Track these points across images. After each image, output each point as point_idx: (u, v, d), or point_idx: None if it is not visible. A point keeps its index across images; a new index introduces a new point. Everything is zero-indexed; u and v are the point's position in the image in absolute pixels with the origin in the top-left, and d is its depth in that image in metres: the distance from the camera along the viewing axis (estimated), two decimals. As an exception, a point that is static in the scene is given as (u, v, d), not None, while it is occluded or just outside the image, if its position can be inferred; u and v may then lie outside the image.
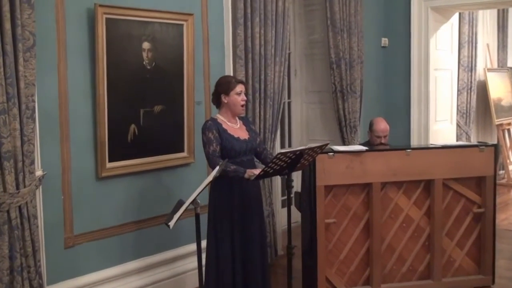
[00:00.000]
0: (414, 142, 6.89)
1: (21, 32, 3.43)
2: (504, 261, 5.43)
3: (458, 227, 4.70)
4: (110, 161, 4.29)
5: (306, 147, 3.86)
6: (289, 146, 6.93)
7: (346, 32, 6.22)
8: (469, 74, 8.42)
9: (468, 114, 8.47)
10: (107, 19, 4.13)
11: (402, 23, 6.94)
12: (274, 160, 3.68)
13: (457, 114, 7.98)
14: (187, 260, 4.88)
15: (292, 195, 4.68)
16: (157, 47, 4.50)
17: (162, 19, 4.51)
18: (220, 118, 4.13)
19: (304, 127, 7.01)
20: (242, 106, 4.12)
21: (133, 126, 4.42)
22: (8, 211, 3.45)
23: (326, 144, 4.02)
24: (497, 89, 9.11)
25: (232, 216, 4.07)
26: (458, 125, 8.11)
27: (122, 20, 4.25)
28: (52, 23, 3.91)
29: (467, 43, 8.28)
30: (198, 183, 3.72)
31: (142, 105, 4.47)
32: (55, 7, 3.91)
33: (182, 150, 4.81)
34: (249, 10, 5.05)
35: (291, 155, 3.73)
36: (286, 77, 5.63)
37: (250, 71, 5.11)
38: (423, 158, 4.59)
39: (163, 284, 4.73)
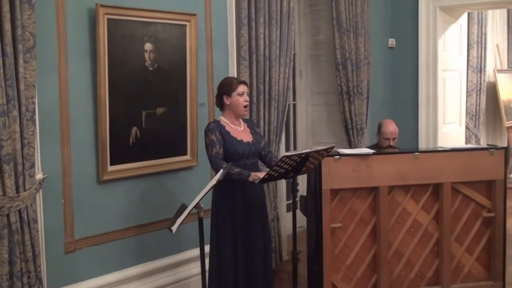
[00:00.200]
0: (422, 145, 6.88)
1: (21, 33, 3.44)
2: (515, 267, 5.42)
3: (468, 232, 4.69)
4: (111, 164, 4.29)
5: (312, 150, 3.86)
6: (294, 149, 6.93)
7: (352, 32, 6.22)
8: (478, 75, 8.41)
9: (477, 116, 8.45)
10: (108, 19, 4.14)
11: (410, 23, 6.93)
12: (279, 163, 3.68)
13: (466, 116, 7.97)
14: (190, 265, 4.88)
15: (297, 199, 4.68)
16: (159, 48, 4.51)
17: (165, 20, 4.52)
18: (223, 120, 4.13)
19: (310, 130, 7.00)
20: (245, 107, 4.13)
21: (135, 128, 4.43)
22: (7, 215, 3.45)
23: (332, 147, 4.02)
24: (507, 90, 9.09)
25: (234, 220, 4.07)
26: (467, 128, 8.09)
27: (123, 21, 4.26)
28: (52, 23, 3.92)
29: (476, 43, 8.27)
30: (201, 187, 3.73)
31: (144, 107, 4.48)
32: (56, 8, 3.93)
33: (185, 153, 4.81)
34: (253, 10, 5.06)
35: (296, 158, 3.73)
36: (291, 79, 5.64)
37: (254, 73, 5.12)
38: (432, 162, 4.58)
39: (166, 290, 4.75)
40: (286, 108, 5.55)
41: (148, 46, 4.44)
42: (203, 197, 3.52)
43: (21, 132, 3.49)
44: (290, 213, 4.23)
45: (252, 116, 5.08)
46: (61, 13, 3.95)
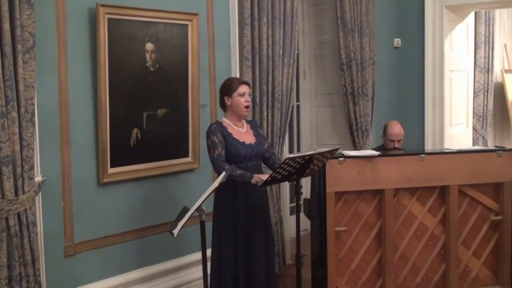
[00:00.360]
0: (429, 147, 6.87)
1: (21, 33, 3.45)
2: (523, 271, 5.39)
3: (475, 236, 4.68)
4: (112, 166, 4.30)
5: (316, 152, 3.86)
6: (298, 151, 6.92)
7: (357, 32, 6.22)
8: (486, 75, 8.39)
9: (484, 117, 8.43)
10: (109, 19, 4.14)
11: (416, 23, 6.93)
12: (282, 165, 3.68)
13: (473, 117, 7.95)
14: (192, 269, 4.88)
15: (301, 202, 4.67)
16: (160, 48, 4.52)
17: (166, 19, 4.52)
18: (226, 121, 4.14)
19: (314, 131, 7.00)
20: (246, 107, 4.13)
21: (135, 130, 4.43)
22: (6, 218, 3.46)
23: (337, 149, 4.02)
24: (515, 91, 9.07)
25: (235, 224, 4.08)
26: (474, 129, 8.08)
27: (124, 20, 4.26)
28: (52, 23, 3.93)
29: (483, 43, 8.25)
30: (203, 189, 3.73)
31: (145, 108, 4.49)
32: (56, 7, 3.94)
33: (186, 155, 4.82)
34: (256, 10, 5.06)
35: (300, 160, 3.73)
36: (294, 79, 5.63)
37: (257, 73, 5.12)
38: (438, 164, 4.58)
39: (167, 295, 4.75)
40: (290, 109, 5.55)
41: (149, 46, 4.45)
42: (205, 199, 3.52)
43: (20, 133, 3.49)
44: (294, 216, 4.23)
45: (255, 117, 5.08)
46: (61, 12, 3.96)
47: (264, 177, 3.86)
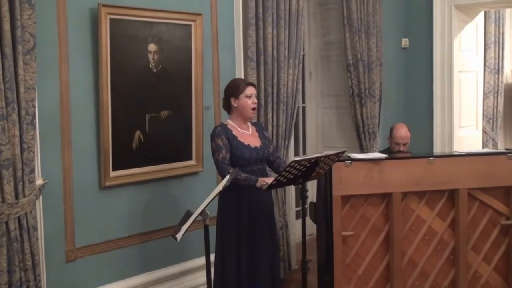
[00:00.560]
0: (437, 149, 6.86)
1: (21, 34, 3.46)
2: (535, 277, 5.37)
3: (485, 240, 4.67)
4: (114, 169, 4.31)
5: (322, 154, 3.85)
6: (304, 153, 6.92)
7: (364, 32, 6.22)
8: (496, 76, 8.37)
9: (494, 119, 8.41)
10: (111, 19, 4.15)
11: (424, 23, 6.92)
12: (287, 168, 3.68)
13: (483, 119, 7.93)
14: (195, 274, 4.88)
15: (307, 205, 4.67)
16: (163, 49, 4.52)
17: (169, 20, 4.53)
18: (230, 123, 4.14)
19: (320, 134, 7.00)
20: (253, 109, 4.14)
21: (138, 132, 4.44)
22: (6, 223, 3.46)
23: (343, 152, 4.01)
24: (526, 92, 9.05)
25: (239, 228, 4.08)
26: (484, 131, 8.06)
27: (126, 21, 4.27)
28: (53, 24, 3.94)
29: (493, 43, 8.23)
30: (207, 193, 3.73)
31: (148, 110, 4.49)
32: (57, 7, 3.95)
33: (190, 158, 4.82)
34: (261, 10, 5.06)
35: (306, 163, 3.72)
36: (300, 81, 5.64)
37: (262, 74, 5.12)
38: (447, 167, 4.56)
39: (170, 300, 4.75)
40: (295, 111, 5.55)
41: (151, 47, 4.46)
42: (209, 203, 3.52)
43: (21, 136, 3.50)
44: (299, 221, 4.23)
45: (260, 119, 5.08)
46: (62, 13, 3.97)
47: (269, 180, 3.86)
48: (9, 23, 3.38)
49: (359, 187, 4.45)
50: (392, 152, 5.23)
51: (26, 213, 3.57)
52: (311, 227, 5.43)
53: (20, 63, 3.46)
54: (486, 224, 4.66)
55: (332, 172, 4.36)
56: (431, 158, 4.57)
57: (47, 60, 3.90)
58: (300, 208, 4.42)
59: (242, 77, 5.03)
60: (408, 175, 4.49)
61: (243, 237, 4.09)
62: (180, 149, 4.75)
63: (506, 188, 4.66)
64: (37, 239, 3.70)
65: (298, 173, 3.76)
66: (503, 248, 4.70)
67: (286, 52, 5.32)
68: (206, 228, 3.57)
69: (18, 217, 3.52)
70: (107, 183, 4.28)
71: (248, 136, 4.16)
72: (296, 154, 6.58)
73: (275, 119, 5.26)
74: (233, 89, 4.12)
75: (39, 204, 3.84)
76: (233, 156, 4.03)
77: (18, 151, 3.48)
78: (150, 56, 4.46)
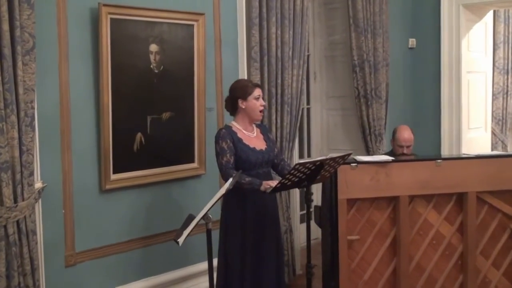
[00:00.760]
0: (445, 152, 6.85)
1: (20, 34, 3.46)
2: (545, 283, 5.36)
3: (494, 245, 4.66)
4: (114, 172, 4.31)
5: (327, 157, 3.85)
6: (308, 156, 6.92)
7: (370, 32, 6.21)
8: (505, 77, 8.36)
9: (504, 120, 8.40)
10: (111, 19, 4.16)
11: (431, 23, 6.91)
12: (292, 171, 3.67)
13: (492, 121, 7.92)
14: (198, 279, 4.88)
15: (312, 209, 4.67)
16: (165, 50, 4.53)
17: (171, 19, 4.54)
18: (236, 125, 4.13)
19: (325, 136, 6.99)
20: (261, 111, 4.14)
21: (139, 134, 4.44)
22: (5, 226, 3.47)
23: (349, 154, 4.01)
24: (536, 93, 9.02)
25: (243, 232, 4.07)
26: (493, 133, 8.05)
27: (127, 21, 4.28)
28: (53, 24, 3.95)
29: (502, 43, 8.23)
30: (210, 196, 3.73)
31: (149, 112, 4.50)
32: (56, 7, 3.95)
33: (192, 161, 4.82)
34: (264, 9, 5.06)
35: (311, 166, 3.72)
36: (304, 81, 5.63)
37: (265, 75, 5.12)
38: (455, 169, 4.56)
39: (172, 306, 4.75)
40: (300, 112, 5.55)
41: (153, 47, 4.46)
42: (211, 207, 3.52)
43: (20, 138, 3.51)
44: (304, 225, 4.23)
45: (264, 121, 5.07)
46: (62, 13, 3.98)
47: (273, 183, 3.86)
48: (8, 23, 3.39)
49: (365, 191, 4.44)
50: (395, 155, 5.23)
51: (25, 217, 3.57)
52: (316, 231, 5.42)
53: (19, 64, 3.47)
54: (495, 228, 4.64)
55: (338, 175, 4.35)
56: (439, 160, 4.56)
57: (47, 60, 3.90)
58: (304, 211, 4.43)
59: (246, 77, 5.03)
60: (415, 178, 4.48)
61: (247, 242, 4.08)
62: (182, 151, 4.75)
63: (516, 191, 4.65)
64: (36, 243, 3.70)
65: (302, 176, 3.76)
66: (513, 253, 4.70)
67: (291, 53, 5.32)
68: (208, 232, 3.56)
69: (17, 221, 3.52)
70: (107, 186, 4.28)
71: (253, 138, 4.15)
72: (301, 156, 6.58)
73: (279, 121, 5.26)
74: (241, 91, 4.10)
75: (38, 208, 3.84)
76: (238, 159, 4.02)
77: (17, 153, 3.48)
78: (152, 57, 4.46)
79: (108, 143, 4.24)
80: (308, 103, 6.87)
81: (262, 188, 3.90)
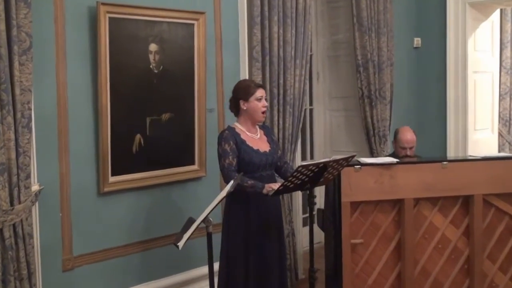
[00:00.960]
0: (451, 154, 6.84)
1: (17, 34, 3.47)
2: (554, 287, 5.36)
3: (501, 249, 4.65)
4: (113, 174, 4.31)
5: (330, 159, 3.85)
6: (311, 158, 6.92)
7: (374, 31, 6.21)
8: (512, 77, 8.35)
9: (511, 121, 8.39)
10: (110, 18, 4.16)
11: (437, 22, 6.91)
12: (294, 173, 3.67)
13: (499, 122, 7.90)
14: (198, 284, 4.88)
15: (315, 212, 4.66)
16: (165, 49, 4.53)
17: (171, 18, 4.54)
18: (239, 127, 4.13)
19: (328, 137, 6.99)
20: (263, 113, 4.13)
21: (138, 136, 4.45)
22: (1, 230, 3.47)
23: (353, 156, 4.01)
24: (544, 94, 9.01)
25: (246, 236, 4.07)
26: (500, 134, 8.03)
27: (126, 20, 4.28)
28: (50, 23, 3.95)
29: (509, 42, 8.20)
30: (210, 199, 3.72)
31: (149, 113, 4.50)
32: (54, 6, 3.96)
33: (192, 163, 4.82)
34: (266, 8, 5.06)
35: (314, 168, 3.72)
36: (307, 82, 5.63)
37: (267, 75, 5.12)
38: (461, 171, 4.55)
39: (172, 311, 4.75)
40: (302, 113, 5.55)
41: (153, 47, 4.46)
42: (212, 210, 3.52)
43: (16, 140, 3.51)
44: (307, 228, 4.23)
45: (265, 122, 5.06)
46: (59, 12, 3.98)
47: (276, 186, 3.86)
48: (4, 23, 3.39)
49: (369, 193, 4.44)
50: (398, 157, 5.22)
51: (21, 220, 3.57)
52: (319, 235, 5.42)
53: (16, 64, 3.47)
54: (503, 232, 4.64)
55: (341, 178, 4.35)
56: (445, 162, 4.56)
57: (44, 60, 3.90)
58: (307, 215, 4.43)
59: (247, 78, 5.03)
60: (420, 181, 4.48)
61: (250, 245, 4.08)
62: (182, 153, 4.75)
63: (524, 194, 4.65)
64: (33, 247, 3.70)
65: (305, 179, 3.76)
66: (521, 257, 4.69)
67: (293, 52, 5.32)
68: (209, 236, 3.56)
69: (13, 224, 3.52)
70: (106, 189, 4.28)
71: (257, 140, 4.15)
72: (303, 158, 6.58)
73: (281, 122, 5.26)
74: (243, 91, 4.11)
75: (35, 211, 3.84)
76: (241, 162, 4.02)
77: (13, 155, 3.48)
78: (151, 57, 4.46)
79: (107, 144, 4.24)
80: (310, 104, 6.87)
81: (264, 191, 3.89)
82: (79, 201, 4.16)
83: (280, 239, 4.27)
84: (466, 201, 4.58)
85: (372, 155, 6.27)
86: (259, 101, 4.09)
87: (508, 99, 8.30)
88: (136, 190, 4.48)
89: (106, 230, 4.34)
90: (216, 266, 4.03)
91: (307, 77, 5.60)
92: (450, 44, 6.84)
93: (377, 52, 6.25)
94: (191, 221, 3.59)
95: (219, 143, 4.04)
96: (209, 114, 4.89)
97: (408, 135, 5.28)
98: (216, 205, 3.54)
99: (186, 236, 3.50)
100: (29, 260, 3.63)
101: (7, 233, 3.48)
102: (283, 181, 3.88)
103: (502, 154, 6.90)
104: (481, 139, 7.19)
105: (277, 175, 4.34)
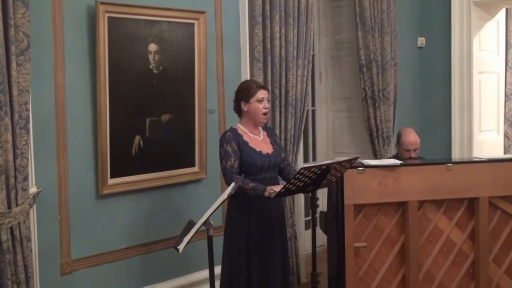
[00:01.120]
0: (456, 155, 6.84)
1: (14, 33, 3.47)
2: (561, 291, 5.35)
3: (507, 252, 4.65)
4: (112, 177, 4.31)
5: (333, 161, 3.85)
6: (314, 160, 6.92)
7: (378, 31, 6.21)
8: (519, 77, 8.35)
9: (517, 123, 8.39)
10: (109, 18, 4.16)
11: (441, 21, 6.91)
12: (296, 175, 3.67)
13: (504, 123, 7.91)
14: (198, 288, 4.89)
15: (317, 215, 4.66)
16: (165, 49, 4.53)
17: (171, 18, 4.54)
18: (241, 128, 4.14)
19: (330, 139, 6.99)
20: (264, 114, 4.13)
21: (138, 137, 4.45)
22: (-2, 233, 3.47)
23: (356, 158, 4.01)
24: (551, 94, 9.01)
25: (249, 239, 4.07)
26: (506, 136, 8.03)
27: (126, 19, 4.28)
28: (48, 23, 3.95)
29: (515, 42, 8.22)
30: (211, 202, 3.72)
31: (148, 114, 4.50)
32: (52, 5, 3.96)
33: (192, 165, 4.82)
34: (268, 7, 5.07)
35: (316, 170, 3.72)
36: (309, 82, 5.63)
37: (269, 76, 5.12)
38: (466, 174, 4.55)
39: (172, 316, 4.75)
40: (304, 114, 5.55)
41: (152, 47, 4.46)
42: (213, 213, 3.52)
43: (14, 141, 3.51)
44: (309, 231, 4.23)
45: (267, 123, 5.06)
46: (57, 11, 3.99)
47: (277, 188, 3.85)
48: (1, 22, 3.40)
49: (373, 196, 4.44)
50: (401, 159, 5.22)
51: (19, 223, 3.57)
52: (322, 238, 5.42)
53: (13, 64, 3.47)
54: (509, 235, 4.64)
55: (344, 180, 4.35)
56: (449, 164, 4.56)
57: (42, 61, 3.91)
58: (309, 217, 4.43)
59: (248, 78, 5.03)
60: (424, 183, 4.48)
61: (253, 248, 4.07)
62: (182, 155, 4.75)
63: (530, 196, 4.64)
64: (31, 250, 3.70)
65: (308, 181, 3.76)
66: (527, 260, 4.69)
67: (295, 52, 5.32)
68: (209, 239, 3.56)
69: (11, 227, 3.52)
70: (105, 191, 4.28)
71: (259, 142, 4.15)
72: (306, 160, 6.58)
73: (283, 123, 5.26)
74: (244, 92, 4.11)
75: (33, 214, 3.84)
76: (244, 163, 4.02)
77: (10, 157, 3.48)
78: (151, 57, 4.46)
79: (106, 146, 4.24)
80: (313, 104, 6.86)
81: (266, 193, 3.89)
82: (78, 203, 4.16)
83: (284, 243, 4.26)
84: (471, 204, 4.58)
85: (375, 156, 6.27)
86: (260, 103, 4.09)
87: (514, 99, 8.31)
88: (135, 192, 4.48)
89: (105, 233, 4.34)
90: (217, 270, 4.02)
91: (309, 77, 5.60)
92: (454, 43, 6.84)
93: (380, 52, 6.25)
94: (191, 224, 3.59)
95: (221, 145, 4.04)
96: (210, 115, 4.89)
97: (411, 137, 5.26)
98: (217, 207, 3.54)
99: (186, 239, 3.50)
100: (26, 264, 3.63)
101: (4, 236, 3.48)
102: (285, 183, 3.89)
103: (508, 155, 6.89)
104: (486, 140, 7.19)
105: (279, 178, 4.34)
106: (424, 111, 7.05)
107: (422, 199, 4.50)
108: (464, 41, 6.79)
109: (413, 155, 5.23)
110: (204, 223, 3.51)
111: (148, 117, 4.50)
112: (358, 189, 4.40)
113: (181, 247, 3.49)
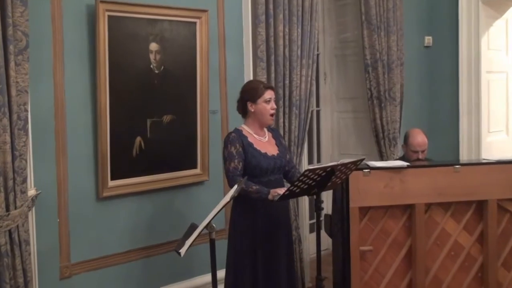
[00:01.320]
0: (464, 157, 6.83)
1: (13, 33, 3.47)
2: None
3: (516, 256, 4.65)
4: (112, 179, 4.31)
5: (338, 163, 3.84)
6: (318, 161, 6.92)
7: (384, 30, 6.21)
8: (528, 77, 8.34)
9: (526, 123, 8.37)
10: (109, 16, 4.17)
11: (448, 20, 6.91)
12: (301, 178, 3.67)
13: (514, 123, 7.91)
14: (200, 293, 4.89)
15: (322, 218, 4.66)
16: (166, 49, 4.53)
17: (172, 17, 4.54)
18: (246, 129, 4.13)
19: (335, 140, 6.99)
20: (272, 115, 4.13)
21: (139, 138, 4.45)
22: (-4, 236, 3.48)
23: (361, 160, 4.00)
24: (561, 94, 9.00)
25: (254, 242, 4.06)
26: (515, 137, 8.03)
27: (126, 18, 4.29)
28: (47, 22, 3.96)
29: (524, 41, 8.21)
30: (214, 204, 3.72)
31: (149, 115, 4.50)
32: (51, 4, 3.97)
33: (195, 166, 4.82)
34: (271, 6, 5.07)
35: (321, 172, 3.71)
36: (314, 82, 5.63)
37: (272, 75, 5.12)
38: (475, 175, 4.54)
39: (173, 321, 4.75)
40: (309, 115, 5.55)
41: (153, 46, 4.47)
42: (215, 215, 3.52)
43: (12, 143, 3.51)
44: (314, 234, 4.23)
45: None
46: (57, 10, 3.99)
47: (281, 191, 3.85)
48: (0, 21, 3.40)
49: (379, 198, 4.43)
50: (408, 161, 5.21)
51: (17, 226, 3.57)
52: (326, 242, 5.42)
53: (12, 64, 3.47)
54: (518, 239, 4.64)
55: (349, 182, 4.35)
56: (457, 166, 4.55)
57: (41, 60, 3.91)
58: (314, 220, 4.43)
59: (251, 78, 5.03)
60: (432, 185, 4.47)
61: (259, 251, 4.07)
62: (184, 156, 4.76)
63: (540, 199, 4.63)
64: (30, 254, 3.71)
65: (312, 183, 3.75)
66: (537, 264, 4.68)
67: (299, 52, 5.32)
68: (212, 242, 3.56)
69: (9, 230, 3.53)
70: (105, 194, 4.28)
71: (264, 143, 4.15)
72: (310, 162, 6.58)
73: (287, 124, 5.26)
74: (251, 93, 4.11)
75: (32, 217, 3.85)
76: (248, 165, 4.02)
77: (9, 159, 3.49)
78: (152, 56, 4.47)
79: (106, 147, 4.25)
80: (317, 105, 6.87)
81: (270, 196, 3.89)
82: (77, 206, 4.17)
83: (289, 247, 4.26)
84: (480, 206, 4.57)
85: (381, 158, 6.26)
86: (267, 103, 4.09)
87: (523, 100, 8.29)
88: (136, 194, 4.48)
89: (105, 236, 4.34)
90: (220, 273, 4.02)
91: (314, 77, 5.59)
92: (462, 42, 6.83)
93: (386, 51, 6.24)
94: (193, 227, 3.59)
95: (225, 146, 4.04)
96: (212, 116, 4.89)
97: (419, 138, 5.25)
98: (220, 210, 3.53)
99: (188, 242, 3.49)
100: (25, 268, 3.63)
101: (2, 239, 3.48)
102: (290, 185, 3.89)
103: (517, 157, 6.89)
104: (495, 141, 7.18)
105: (284, 180, 4.34)
106: (431, 111, 7.05)
107: (429, 202, 4.50)
108: (472, 40, 6.78)
109: (420, 157, 5.22)
110: (206, 226, 3.51)
111: (149, 117, 4.50)
112: (364, 191, 4.40)
113: (183, 250, 3.49)
